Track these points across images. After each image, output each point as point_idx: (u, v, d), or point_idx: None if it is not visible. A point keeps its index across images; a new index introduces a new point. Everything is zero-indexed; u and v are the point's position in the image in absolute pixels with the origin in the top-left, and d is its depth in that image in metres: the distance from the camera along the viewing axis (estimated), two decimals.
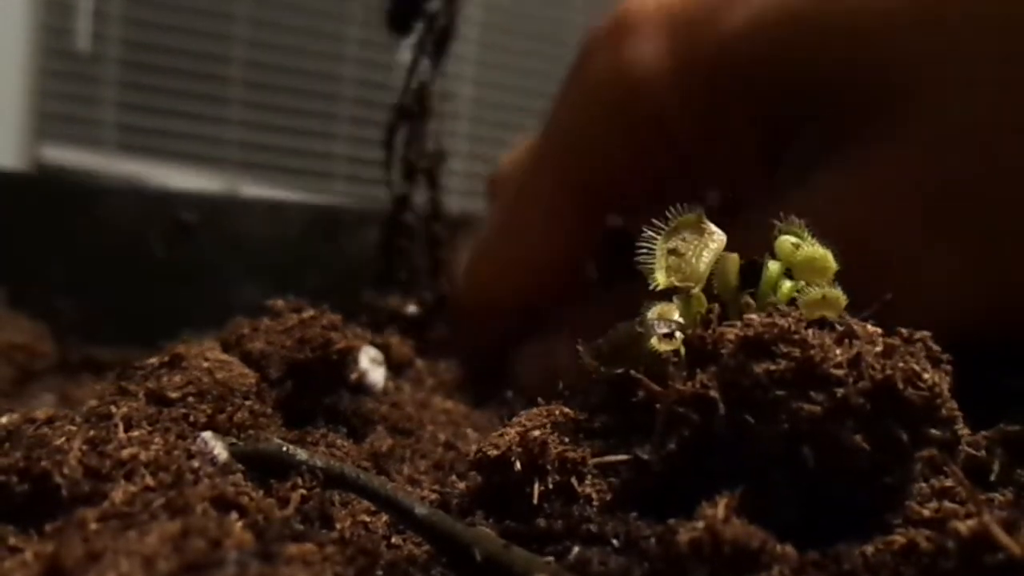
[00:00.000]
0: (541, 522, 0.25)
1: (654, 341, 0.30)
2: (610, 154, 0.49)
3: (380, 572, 0.25)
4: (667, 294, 0.31)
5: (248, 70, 2.51)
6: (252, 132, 2.52)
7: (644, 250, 0.31)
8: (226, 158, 2.47)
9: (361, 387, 0.40)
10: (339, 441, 0.36)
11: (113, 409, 0.29)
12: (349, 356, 0.39)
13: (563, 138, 0.52)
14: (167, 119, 2.44)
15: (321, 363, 0.38)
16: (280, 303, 0.40)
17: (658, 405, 0.26)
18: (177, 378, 0.32)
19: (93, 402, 0.31)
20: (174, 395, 0.32)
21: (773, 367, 0.24)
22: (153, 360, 0.34)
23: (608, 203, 0.52)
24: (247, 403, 0.33)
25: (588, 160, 0.51)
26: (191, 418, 0.31)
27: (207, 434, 0.28)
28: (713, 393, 0.24)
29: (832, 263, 0.28)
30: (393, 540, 0.27)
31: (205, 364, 0.33)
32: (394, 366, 0.45)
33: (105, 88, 2.42)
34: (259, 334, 0.38)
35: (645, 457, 0.26)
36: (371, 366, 0.41)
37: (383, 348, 0.44)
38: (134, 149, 2.38)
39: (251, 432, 0.32)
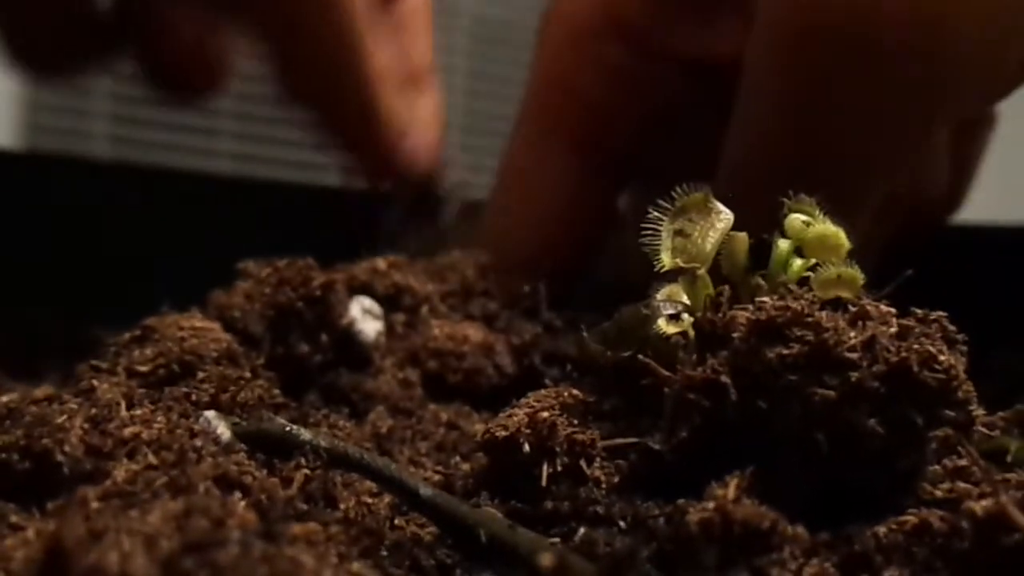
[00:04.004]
0: (548, 504, 0.25)
1: (661, 323, 0.30)
2: (582, 79, 0.49)
3: (384, 553, 0.24)
4: (675, 276, 0.31)
5: (240, 81, 2.48)
6: (244, 144, 2.50)
7: (649, 231, 0.31)
8: (218, 170, 2.45)
9: (351, 336, 0.39)
10: (340, 422, 0.36)
11: (95, 384, 0.28)
12: (333, 296, 0.38)
13: (538, 76, 0.51)
14: (159, 131, 2.42)
15: (304, 302, 0.37)
16: (249, 264, 0.39)
17: (667, 390, 0.26)
18: (148, 351, 0.32)
19: (83, 383, 0.30)
20: (144, 368, 0.31)
21: (786, 351, 0.23)
22: (125, 335, 0.33)
23: (601, 137, 0.51)
24: (218, 368, 0.32)
25: (565, 92, 0.50)
26: (193, 397, 0.31)
27: (210, 413, 0.27)
28: (724, 378, 0.24)
29: (845, 240, 0.27)
30: (397, 521, 0.27)
31: (178, 334, 0.33)
32: (385, 297, 0.43)
33: (97, 100, 2.40)
34: (236, 294, 0.38)
35: (656, 447, 0.25)
36: (362, 316, 0.40)
37: (369, 277, 0.43)
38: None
39: (254, 410, 0.32)
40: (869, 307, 0.24)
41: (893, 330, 0.24)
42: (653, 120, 0.51)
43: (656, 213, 0.31)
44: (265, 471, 0.26)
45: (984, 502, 0.20)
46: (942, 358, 0.23)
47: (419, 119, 0.60)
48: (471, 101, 2.52)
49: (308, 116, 0.58)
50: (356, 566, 0.22)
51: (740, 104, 0.42)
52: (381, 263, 0.45)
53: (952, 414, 0.23)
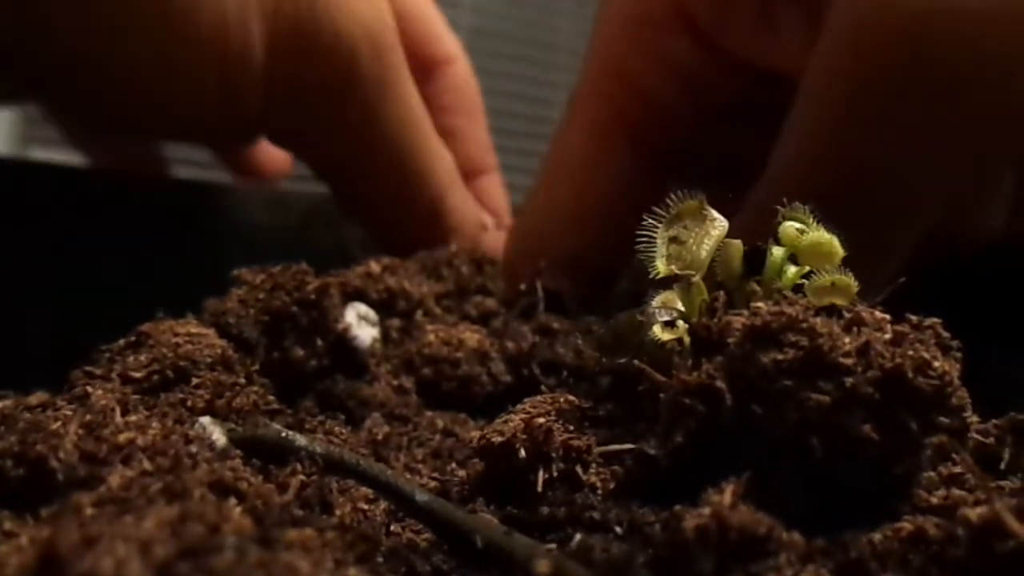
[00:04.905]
0: (544, 510, 0.25)
1: (656, 329, 0.30)
2: (641, 69, 0.48)
3: (380, 559, 0.24)
4: (670, 283, 0.31)
5: None
6: None
7: (644, 238, 0.31)
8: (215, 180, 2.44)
9: (346, 342, 0.39)
10: (336, 428, 0.36)
11: (88, 390, 0.28)
12: (328, 300, 0.38)
13: (595, 64, 0.50)
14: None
15: (299, 306, 0.37)
16: (244, 271, 0.39)
17: (663, 396, 0.26)
18: (142, 357, 0.32)
19: (77, 389, 0.30)
20: (138, 374, 0.31)
21: (781, 357, 0.24)
22: (120, 341, 0.33)
23: (656, 131, 0.49)
24: (212, 374, 0.32)
25: (622, 82, 0.48)
26: (189, 403, 0.30)
27: (205, 419, 0.27)
28: (720, 384, 0.24)
29: (839, 248, 0.27)
30: (393, 527, 0.27)
31: (173, 340, 0.33)
32: (379, 302, 0.43)
33: None
34: (231, 300, 0.38)
35: (651, 452, 0.25)
36: (357, 322, 0.40)
37: (363, 281, 0.43)
38: None
39: (250, 416, 0.32)
40: (863, 313, 0.24)
41: (887, 336, 0.24)
42: (708, 121, 0.49)
43: (651, 220, 0.31)
44: (261, 477, 0.26)
45: (979, 509, 0.20)
46: (936, 364, 0.23)
47: (490, 205, 0.58)
48: None
49: (372, 225, 0.55)
50: (352, 572, 0.22)
51: (795, 111, 0.41)
52: (374, 266, 0.45)
53: (946, 420, 0.23)
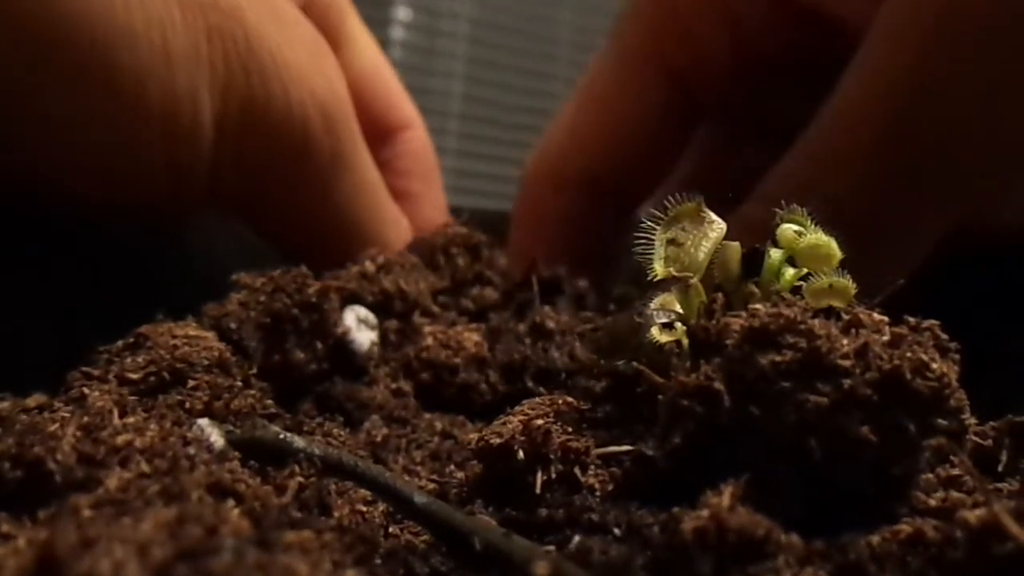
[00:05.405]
0: (542, 511, 0.25)
1: (654, 331, 0.30)
2: (689, 3, 0.46)
3: (379, 560, 0.24)
4: (668, 285, 0.31)
5: None
6: None
7: (642, 240, 0.31)
8: None
9: (345, 345, 0.39)
10: (335, 431, 0.36)
11: (85, 391, 0.28)
12: (328, 303, 0.38)
13: None
14: None
15: (300, 308, 0.37)
16: (244, 276, 0.39)
17: (661, 397, 0.26)
18: (140, 359, 0.32)
19: (74, 391, 0.30)
20: (135, 376, 0.31)
21: (779, 358, 0.24)
22: (118, 343, 0.33)
23: (694, 70, 0.48)
24: (209, 377, 0.32)
25: (668, 15, 0.47)
26: (187, 405, 0.30)
27: (203, 421, 0.27)
28: (718, 385, 0.24)
29: (836, 251, 0.28)
30: (391, 529, 0.27)
31: (171, 342, 0.33)
32: (376, 304, 0.43)
33: None
34: (231, 303, 0.38)
35: (650, 453, 0.25)
36: (356, 325, 0.40)
37: (358, 284, 0.43)
38: None
39: (248, 418, 0.32)
40: (862, 315, 0.24)
41: (886, 338, 0.24)
42: (753, 72, 0.48)
43: (648, 222, 0.31)
44: (259, 479, 0.26)
45: (977, 511, 0.20)
46: (934, 366, 0.23)
47: None
48: (471, 87, 2.51)
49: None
50: (350, 574, 0.22)
51: (849, 75, 0.38)
52: (369, 266, 0.45)
53: (945, 422, 0.23)
